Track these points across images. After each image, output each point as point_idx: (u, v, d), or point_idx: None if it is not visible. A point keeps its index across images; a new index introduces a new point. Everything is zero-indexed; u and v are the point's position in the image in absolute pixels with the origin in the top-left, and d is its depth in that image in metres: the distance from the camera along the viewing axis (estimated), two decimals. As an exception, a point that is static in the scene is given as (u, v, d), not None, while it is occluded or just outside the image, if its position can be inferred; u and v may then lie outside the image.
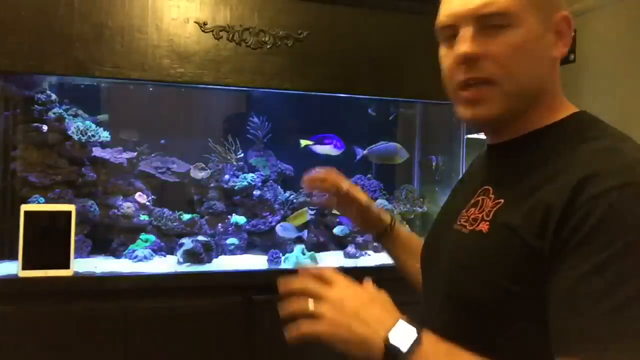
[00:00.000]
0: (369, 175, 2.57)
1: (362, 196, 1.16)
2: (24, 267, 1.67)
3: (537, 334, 0.67)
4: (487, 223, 0.74)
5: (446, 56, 0.79)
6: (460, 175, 1.64)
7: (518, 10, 0.72)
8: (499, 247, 0.71)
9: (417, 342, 0.65)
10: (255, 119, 2.40)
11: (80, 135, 2.05)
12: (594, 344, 0.58)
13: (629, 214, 0.61)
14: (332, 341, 0.69)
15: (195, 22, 1.94)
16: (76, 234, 1.79)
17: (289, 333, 0.71)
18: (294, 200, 2.35)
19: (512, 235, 0.69)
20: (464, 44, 0.74)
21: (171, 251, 2.08)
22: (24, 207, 1.72)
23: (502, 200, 0.75)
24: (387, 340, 0.65)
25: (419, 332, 0.66)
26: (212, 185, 2.29)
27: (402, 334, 0.65)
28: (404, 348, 0.64)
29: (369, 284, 0.75)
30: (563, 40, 0.78)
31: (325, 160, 2.48)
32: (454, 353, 0.66)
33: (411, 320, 0.68)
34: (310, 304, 0.71)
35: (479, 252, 0.74)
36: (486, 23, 0.73)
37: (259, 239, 2.27)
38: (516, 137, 0.79)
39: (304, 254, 2.10)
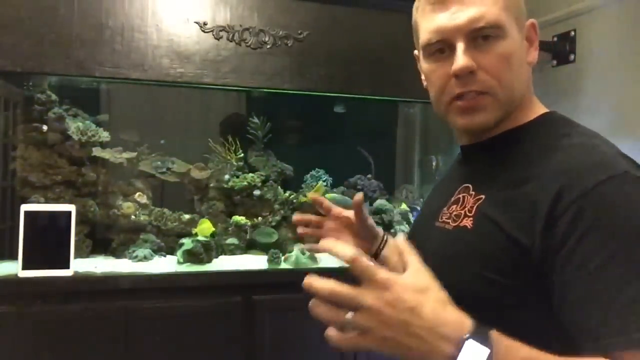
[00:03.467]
0: (369, 175, 2.57)
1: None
2: (24, 267, 1.67)
3: (528, 325, 0.67)
4: (471, 219, 0.76)
5: (435, 71, 0.80)
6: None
7: (505, 23, 0.75)
8: (483, 240, 0.73)
9: None
10: (255, 119, 2.41)
11: (80, 135, 2.05)
12: (624, 337, 0.59)
13: (619, 205, 0.64)
14: (385, 353, 0.61)
15: (195, 22, 1.94)
16: (76, 234, 1.79)
17: (330, 341, 0.61)
18: (294, 201, 2.35)
19: (496, 229, 0.71)
20: (460, 59, 0.75)
21: (171, 251, 2.08)
22: (24, 207, 1.72)
23: (483, 196, 0.76)
24: None
25: (491, 349, 0.57)
26: (212, 185, 2.29)
27: (471, 355, 0.57)
28: None
29: (413, 269, 0.63)
30: (533, 45, 0.82)
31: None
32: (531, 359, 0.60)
33: (478, 332, 0.58)
34: (349, 314, 0.59)
35: (465, 246, 0.75)
36: (476, 36, 0.75)
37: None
38: (491, 136, 0.82)
39: (303, 253, 2.10)
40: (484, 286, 0.70)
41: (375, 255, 1.05)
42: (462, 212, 0.78)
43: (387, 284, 0.59)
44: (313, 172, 2.46)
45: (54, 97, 2.09)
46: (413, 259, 0.64)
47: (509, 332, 0.65)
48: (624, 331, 0.59)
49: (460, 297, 0.69)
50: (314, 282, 0.60)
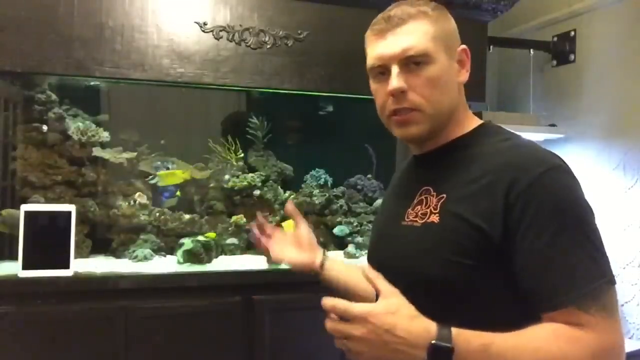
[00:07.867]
0: (369, 176, 2.57)
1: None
2: (24, 267, 1.67)
3: (490, 299, 0.83)
4: (437, 215, 0.89)
5: (378, 90, 0.97)
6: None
7: (432, 51, 0.90)
8: (450, 231, 0.86)
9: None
10: (255, 119, 2.41)
11: (80, 135, 2.05)
12: (567, 296, 0.76)
13: (557, 192, 0.81)
14: None
15: (195, 22, 1.94)
16: (76, 234, 1.79)
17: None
18: (294, 201, 2.35)
19: (460, 220, 0.85)
20: (394, 81, 0.90)
21: (171, 251, 2.08)
22: (24, 207, 1.72)
23: (445, 196, 0.90)
24: None
25: (452, 346, 0.74)
26: (212, 185, 2.29)
27: (439, 355, 0.74)
28: None
29: (384, 295, 0.79)
30: (465, 67, 0.97)
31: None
32: (486, 345, 0.75)
33: (442, 335, 0.74)
34: (347, 342, 0.79)
35: (435, 238, 0.88)
36: (408, 62, 0.91)
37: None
38: (439, 146, 0.97)
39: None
40: (452, 269, 0.84)
41: (322, 266, 1.19)
42: (428, 210, 0.91)
43: (364, 316, 0.76)
44: (313, 172, 2.46)
45: (54, 97, 2.09)
46: (383, 285, 0.80)
47: (475, 306, 0.84)
48: (567, 291, 0.76)
49: (433, 282, 0.87)
50: (327, 302, 0.77)
